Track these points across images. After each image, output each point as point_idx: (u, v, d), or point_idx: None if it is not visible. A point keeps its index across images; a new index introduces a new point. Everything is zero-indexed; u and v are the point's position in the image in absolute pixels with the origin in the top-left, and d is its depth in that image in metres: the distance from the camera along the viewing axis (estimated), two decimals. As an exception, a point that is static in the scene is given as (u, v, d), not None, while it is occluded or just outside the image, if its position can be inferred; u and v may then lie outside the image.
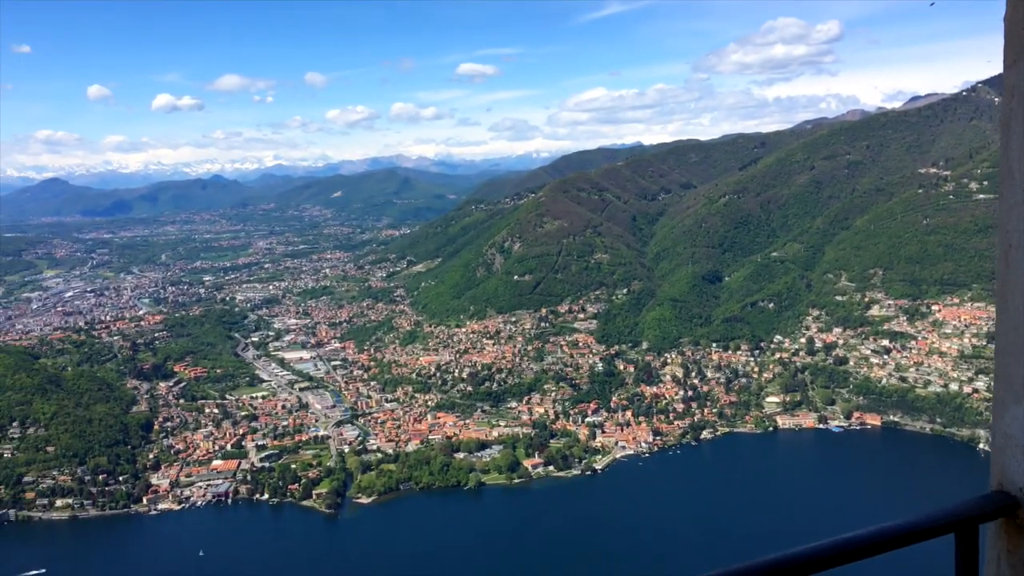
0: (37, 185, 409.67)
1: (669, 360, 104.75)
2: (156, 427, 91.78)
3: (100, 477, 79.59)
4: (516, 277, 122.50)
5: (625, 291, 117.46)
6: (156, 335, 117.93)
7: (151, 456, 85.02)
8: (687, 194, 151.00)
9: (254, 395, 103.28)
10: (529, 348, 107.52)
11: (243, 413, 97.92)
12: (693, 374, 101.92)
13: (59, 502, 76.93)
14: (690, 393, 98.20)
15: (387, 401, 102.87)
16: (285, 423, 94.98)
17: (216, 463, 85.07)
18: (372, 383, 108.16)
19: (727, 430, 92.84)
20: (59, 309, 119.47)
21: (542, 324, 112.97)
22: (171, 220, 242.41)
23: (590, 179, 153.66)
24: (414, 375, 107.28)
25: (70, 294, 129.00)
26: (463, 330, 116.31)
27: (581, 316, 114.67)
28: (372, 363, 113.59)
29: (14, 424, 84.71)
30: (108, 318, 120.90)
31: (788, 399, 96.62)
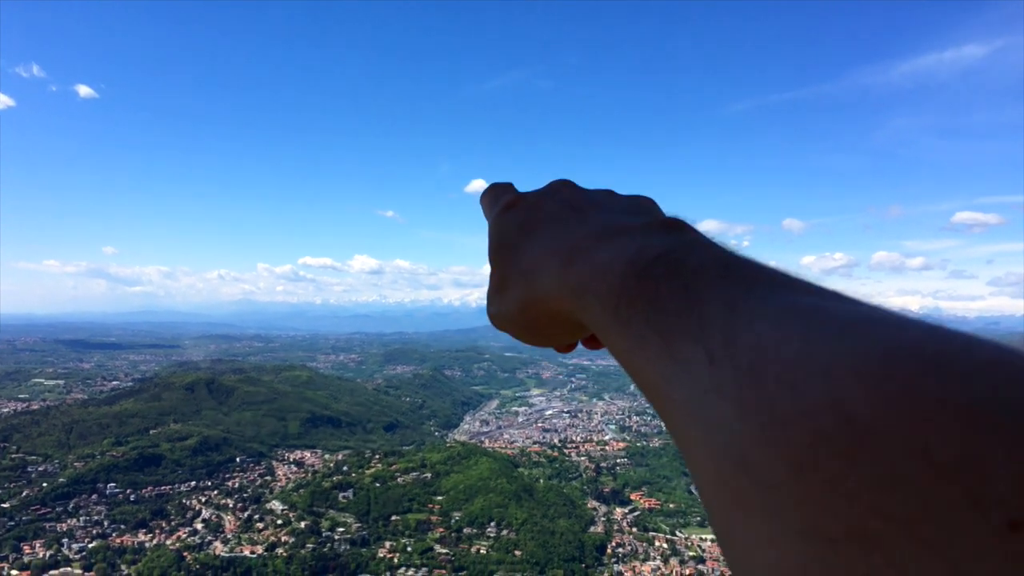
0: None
1: None
2: (609, 551, 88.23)
3: (555, 590, 78.23)
4: None
5: None
6: (618, 461, 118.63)
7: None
8: None
9: (704, 536, 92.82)
10: None
11: (691, 553, 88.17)
12: None
13: (520, 607, 77.47)
14: None
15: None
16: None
17: (662, 601, 76.00)
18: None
19: None
20: (539, 425, 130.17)
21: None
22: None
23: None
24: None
25: (549, 412, 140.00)
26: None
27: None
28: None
29: (491, 524, 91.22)
30: (578, 439, 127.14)
31: None
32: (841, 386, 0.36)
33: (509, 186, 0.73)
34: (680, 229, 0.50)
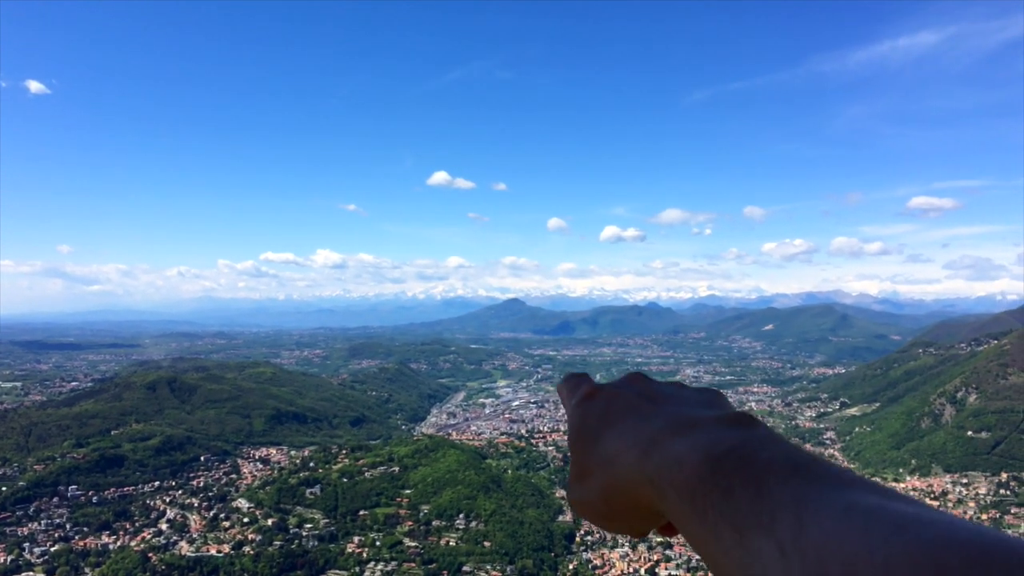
0: (500, 304, 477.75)
1: None
2: (578, 539, 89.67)
3: (525, 579, 79.49)
4: (970, 433, 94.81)
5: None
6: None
7: (570, 567, 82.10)
8: None
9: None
10: (984, 517, 79.64)
11: (658, 539, 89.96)
12: None
13: (489, 597, 78.50)
14: None
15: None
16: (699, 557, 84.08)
17: (629, 586, 77.92)
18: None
19: None
20: (506, 416, 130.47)
21: (1001, 491, 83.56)
22: (607, 342, 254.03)
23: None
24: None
25: (516, 403, 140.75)
26: (902, 485, 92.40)
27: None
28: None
29: (460, 516, 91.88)
30: (546, 429, 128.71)
31: None
32: None
33: (586, 376, 0.79)
34: (750, 424, 0.54)
